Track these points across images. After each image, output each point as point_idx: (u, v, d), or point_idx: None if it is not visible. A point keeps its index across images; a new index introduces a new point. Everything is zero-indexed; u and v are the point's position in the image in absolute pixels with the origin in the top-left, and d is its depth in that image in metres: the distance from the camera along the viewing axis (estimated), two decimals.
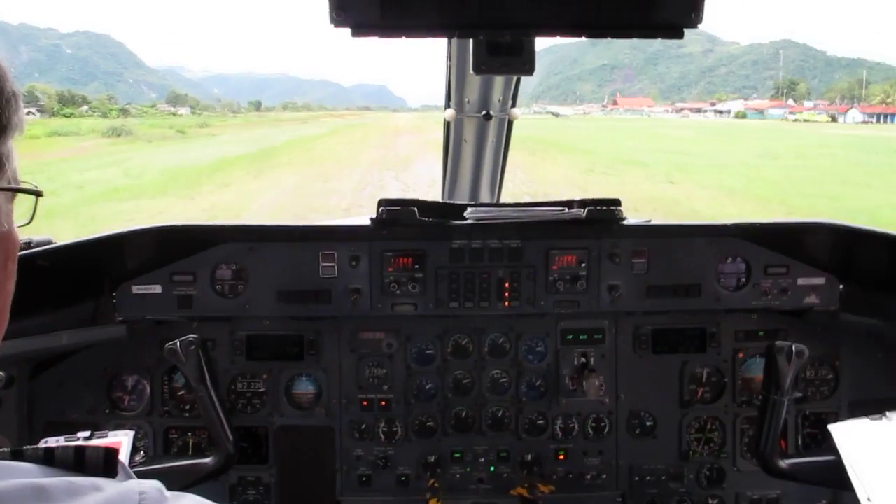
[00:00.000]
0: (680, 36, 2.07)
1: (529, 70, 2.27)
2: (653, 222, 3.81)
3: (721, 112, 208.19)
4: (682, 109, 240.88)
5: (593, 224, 3.57)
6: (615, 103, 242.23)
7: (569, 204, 3.61)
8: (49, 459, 1.05)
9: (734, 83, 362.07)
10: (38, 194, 1.26)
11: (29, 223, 1.28)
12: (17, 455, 1.04)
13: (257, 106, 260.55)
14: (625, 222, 3.63)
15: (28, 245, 3.38)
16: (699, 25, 2.02)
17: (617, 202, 3.58)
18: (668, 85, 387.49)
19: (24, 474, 0.97)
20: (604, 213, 3.54)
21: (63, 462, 1.05)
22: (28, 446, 1.03)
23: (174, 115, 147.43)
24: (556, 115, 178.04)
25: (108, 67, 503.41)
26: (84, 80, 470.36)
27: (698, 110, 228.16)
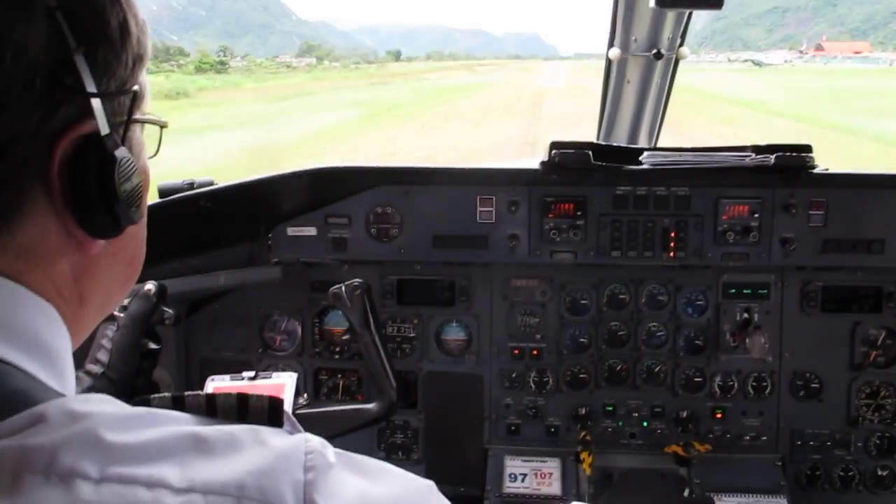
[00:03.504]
0: None
1: (718, 3, 2.22)
2: (831, 170, 3.53)
3: None
4: None
5: (779, 172, 3.40)
6: (819, 49, 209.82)
7: (754, 149, 3.44)
8: (211, 406, 1.07)
9: None
10: (164, 125, 1.30)
11: (155, 155, 1.32)
12: (177, 401, 1.07)
13: (396, 56, 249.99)
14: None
15: (191, 185, 3.58)
16: None
17: (808, 148, 3.40)
18: (851, 28, 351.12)
19: (184, 422, 0.99)
20: (795, 159, 3.37)
21: (226, 410, 1.06)
22: (189, 392, 1.07)
23: (289, 67, 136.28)
24: (760, 64, 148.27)
25: (262, 20, 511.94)
26: (238, 34, 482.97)
27: None
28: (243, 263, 3.70)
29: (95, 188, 1.08)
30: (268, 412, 1.07)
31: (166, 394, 1.05)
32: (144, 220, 1.26)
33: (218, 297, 3.84)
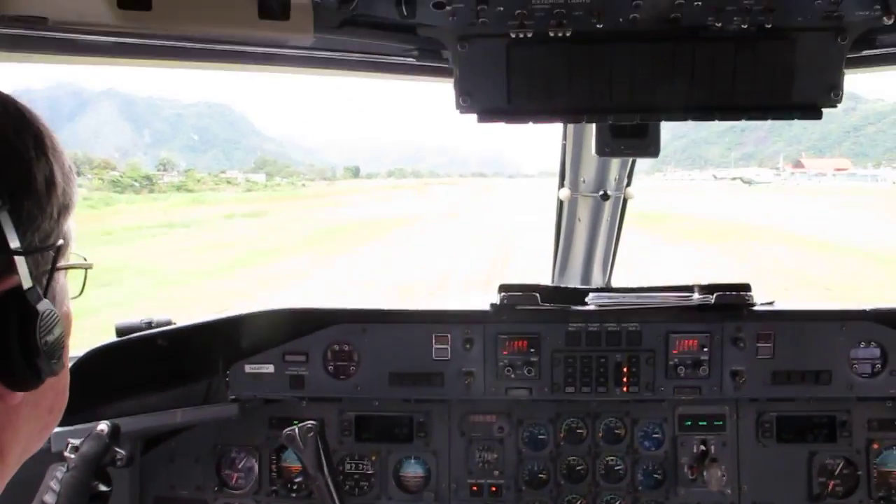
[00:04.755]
0: (818, 116, 2.08)
1: (654, 152, 2.35)
2: (777, 306, 3.72)
3: None
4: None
5: (721, 309, 3.57)
6: (798, 165, 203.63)
7: (692, 289, 3.63)
8: None
9: (885, 142, 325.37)
10: (88, 267, 1.32)
11: (79, 295, 1.32)
12: None
13: (355, 172, 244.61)
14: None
15: (149, 325, 3.64)
16: (838, 104, 2.01)
17: (747, 287, 3.60)
18: (807, 146, 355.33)
19: None
20: (734, 298, 3.56)
21: None
22: None
23: (230, 183, 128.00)
24: (750, 182, 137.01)
25: (227, 135, 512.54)
26: (203, 148, 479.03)
27: None
28: (200, 400, 3.72)
29: (16, 342, 1.08)
30: None
31: None
32: (67, 366, 1.27)
33: (174, 433, 3.80)
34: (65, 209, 1.17)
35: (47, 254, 1.15)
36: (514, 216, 48.78)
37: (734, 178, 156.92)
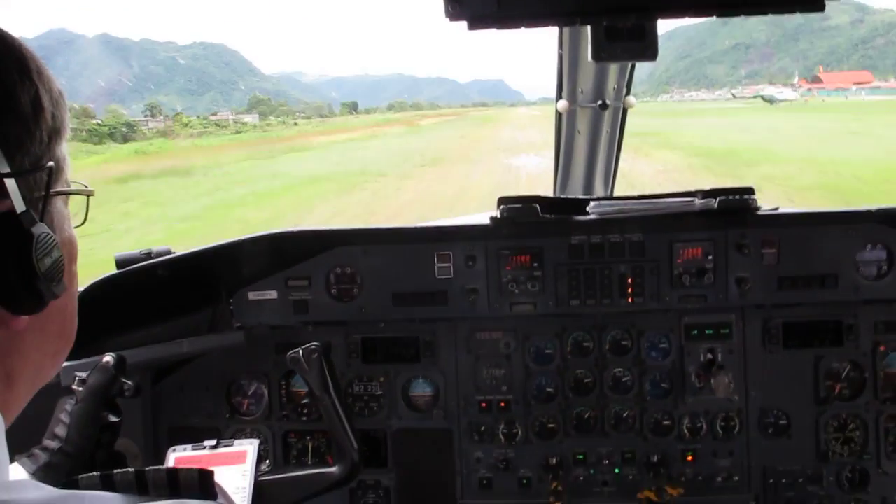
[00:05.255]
0: (821, 8, 1.97)
1: (652, 55, 2.27)
2: (782, 210, 3.71)
3: None
4: None
5: (724, 215, 3.55)
6: (816, 80, 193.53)
7: (695, 194, 3.60)
8: (141, 482, 1.06)
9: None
10: (89, 194, 1.31)
11: (83, 224, 1.33)
12: (106, 479, 1.06)
13: (353, 107, 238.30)
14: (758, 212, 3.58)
15: (148, 255, 3.65)
16: None
17: (750, 190, 3.57)
18: (814, 62, 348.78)
19: (111, 502, 0.97)
20: (737, 202, 3.53)
21: (156, 486, 1.06)
22: (118, 470, 1.06)
23: (219, 125, 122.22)
24: (771, 100, 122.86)
25: (224, 76, 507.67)
26: (200, 91, 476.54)
27: None
28: (206, 330, 3.74)
29: (13, 266, 1.08)
30: (199, 484, 1.07)
31: (95, 473, 1.04)
32: (74, 290, 1.27)
33: (183, 364, 3.84)
34: (55, 133, 1.17)
35: (40, 178, 1.15)
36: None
37: (754, 97, 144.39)
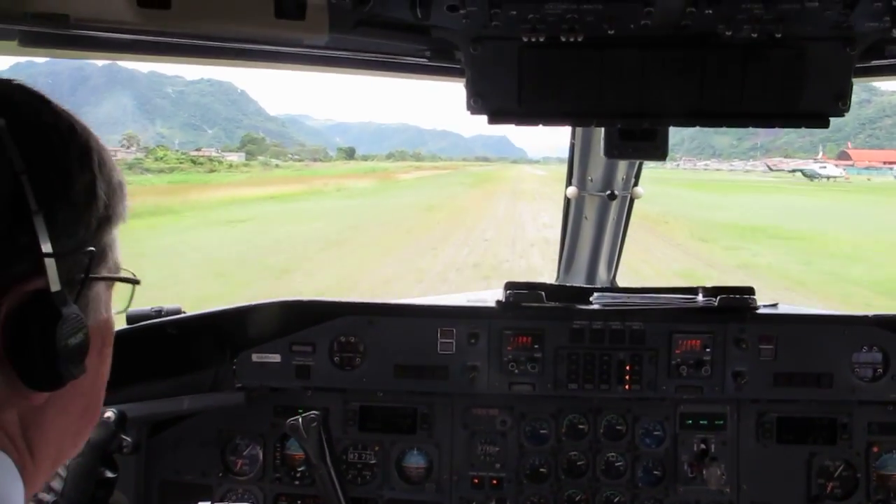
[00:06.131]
0: (825, 125, 2.11)
1: (662, 155, 2.38)
2: (781, 309, 3.80)
3: None
4: None
5: (724, 311, 3.63)
6: (844, 157, 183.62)
7: (696, 290, 3.72)
8: None
9: None
10: (135, 283, 1.36)
11: (126, 310, 1.38)
12: None
13: (350, 153, 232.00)
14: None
15: (159, 313, 3.71)
16: (846, 113, 2.05)
17: (750, 290, 3.67)
18: (821, 139, 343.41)
19: None
20: (737, 301, 3.62)
21: None
22: None
23: (195, 163, 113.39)
24: (812, 177, 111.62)
25: (229, 114, 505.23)
26: (204, 127, 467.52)
27: None
28: (208, 387, 3.78)
29: (36, 342, 1.12)
30: None
31: None
32: (104, 372, 1.33)
33: (181, 419, 3.86)
34: (105, 220, 1.21)
35: (81, 261, 1.18)
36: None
37: (792, 171, 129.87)
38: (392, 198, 61.65)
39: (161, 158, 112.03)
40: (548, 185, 67.39)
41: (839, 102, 2.06)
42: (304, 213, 45.11)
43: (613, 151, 2.35)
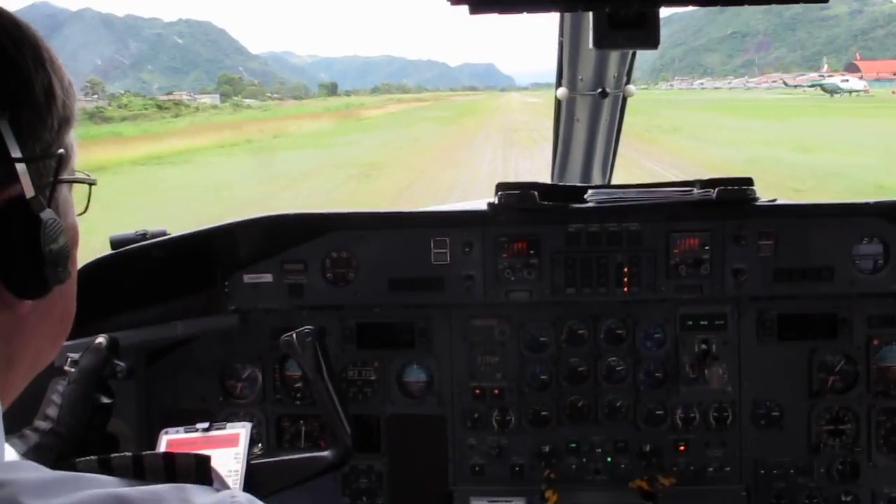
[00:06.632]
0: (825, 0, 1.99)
1: (654, 43, 2.26)
2: (780, 202, 3.72)
3: None
4: None
5: (722, 206, 3.55)
6: (852, 69, 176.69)
7: (694, 184, 3.61)
8: (139, 467, 1.08)
9: None
10: (92, 183, 1.34)
11: (85, 212, 1.35)
12: (104, 463, 1.08)
13: (331, 89, 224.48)
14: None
15: (143, 236, 3.59)
16: None
17: (749, 181, 3.57)
18: (812, 52, 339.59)
19: (108, 485, 0.98)
20: (736, 193, 3.52)
21: (153, 471, 1.08)
22: (116, 454, 1.08)
23: (160, 108, 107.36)
24: (833, 92, 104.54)
25: (210, 55, 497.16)
26: (186, 69, 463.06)
27: None
28: (200, 312, 3.74)
29: (21, 250, 1.10)
30: (195, 470, 1.09)
31: (93, 457, 1.06)
32: (75, 276, 1.28)
33: (177, 346, 3.84)
34: (65, 121, 1.19)
35: (49, 165, 1.17)
36: None
37: (811, 85, 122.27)
38: (335, 146, 50.57)
39: (125, 106, 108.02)
40: (549, 119, 55.79)
41: None
42: (179, 180, 34.44)
43: (603, 41, 2.24)
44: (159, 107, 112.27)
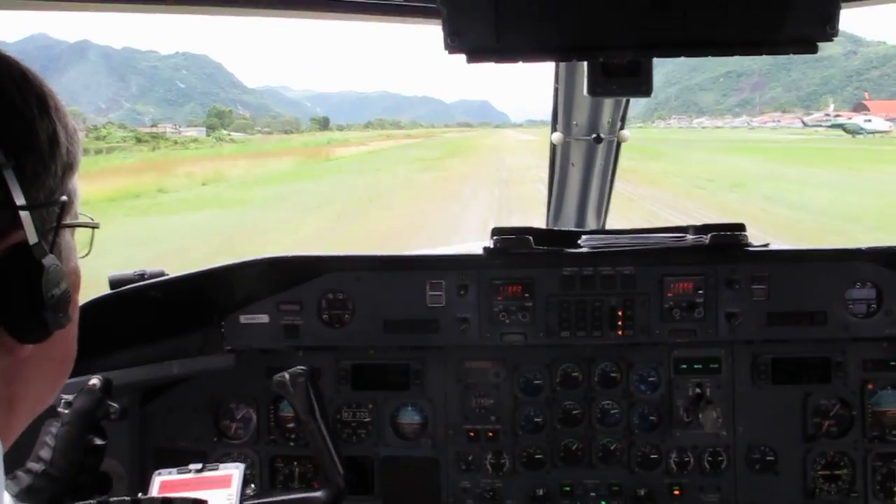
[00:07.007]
0: (814, 50, 2.05)
1: (647, 91, 2.30)
2: (772, 247, 3.78)
3: None
4: None
5: (714, 251, 3.60)
6: (861, 109, 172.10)
7: (688, 229, 3.68)
8: None
9: (893, 87, 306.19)
10: (95, 227, 1.36)
11: (87, 255, 1.38)
12: None
13: (323, 124, 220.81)
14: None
15: (142, 276, 3.63)
16: (834, 38, 1.98)
17: (741, 227, 3.63)
18: (807, 92, 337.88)
19: None
20: (728, 238, 3.58)
21: None
22: (115, 498, 1.02)
23: (139, 140, 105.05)
24: (856, 132, 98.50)
25: (205, 88, 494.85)
26: (181, 101, 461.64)
27: None
28: (196, 351, 3.75)
29: (23, 296, 1.12)
30: None
31: (91, 501, 1.00)
32: (75, 319, 1.31)
33: (172, 385, 3.85)
34: (68, 168, 1.22)
35: (52, 211, 1.19)
36: None
37: (831, 126, 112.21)
38: (263, 203, 35.53)
39: (103, 138, 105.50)
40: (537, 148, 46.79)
41: (826, 27, 1.95)
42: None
43: (597, 89, 2.29)
44: (138, 139, 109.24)
